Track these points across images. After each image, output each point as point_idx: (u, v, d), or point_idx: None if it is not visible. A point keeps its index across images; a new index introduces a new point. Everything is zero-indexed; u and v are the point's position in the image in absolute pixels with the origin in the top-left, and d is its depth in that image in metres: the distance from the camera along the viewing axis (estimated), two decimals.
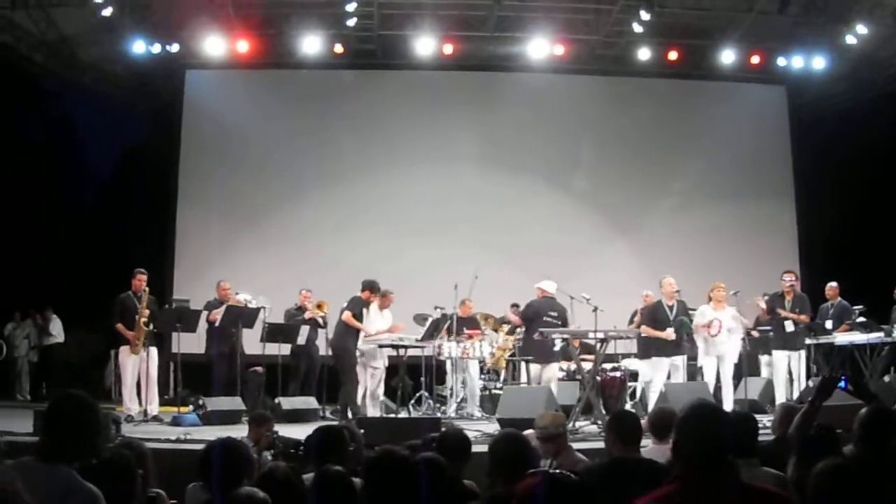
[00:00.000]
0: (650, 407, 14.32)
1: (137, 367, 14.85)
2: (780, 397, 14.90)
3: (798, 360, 15.33)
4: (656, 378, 14.83)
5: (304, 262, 20.85)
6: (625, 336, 15.10)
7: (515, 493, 4.34)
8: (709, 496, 4.03)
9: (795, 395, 14.85)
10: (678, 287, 15.25)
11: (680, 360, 14.90)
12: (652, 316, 15.11)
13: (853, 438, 5.87)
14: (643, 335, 15.16)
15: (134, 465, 5.12)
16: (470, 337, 16.53)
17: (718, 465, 4.11)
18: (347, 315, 15.25)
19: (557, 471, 5.03)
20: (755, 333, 16.79)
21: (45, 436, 4.71)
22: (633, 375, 16.38)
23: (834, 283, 17.06)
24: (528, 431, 7.33)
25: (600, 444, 7.88)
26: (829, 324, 16.63)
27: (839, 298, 16.90)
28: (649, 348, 15.31)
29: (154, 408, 14.99)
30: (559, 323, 14.95)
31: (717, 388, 14.94)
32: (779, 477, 5.67)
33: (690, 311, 15.44)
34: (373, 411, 15.18)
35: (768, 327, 16.19)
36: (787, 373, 15.31)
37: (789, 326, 15.39)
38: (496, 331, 17.91)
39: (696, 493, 4.04)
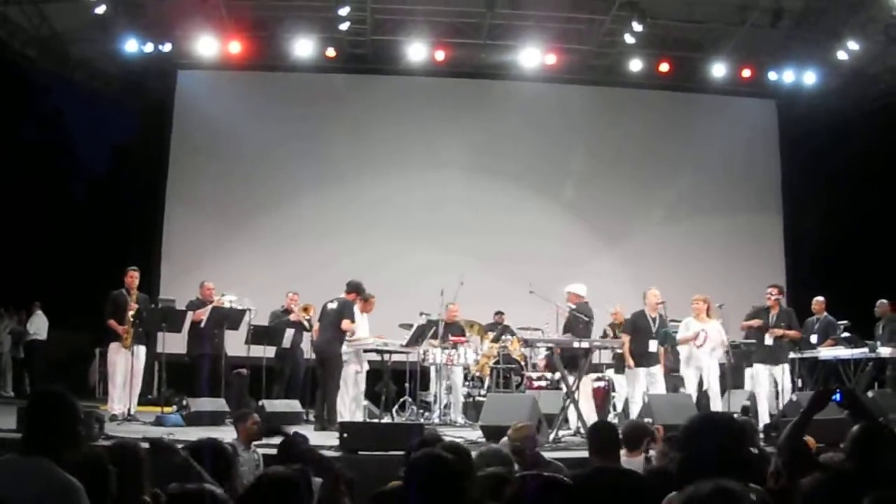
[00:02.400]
0: (632, 418, 14.32)
1: (126, 364, 14.81)
2: (763, 411, 14.90)
3: (782, 373, 15.32)
4: (635, 389, 14.81)
5: (292, 264, 20.81)
6: (609, 347, 15.09)
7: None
8: None
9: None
10: (663, 299, 15.25)
11: (657, 371, 14.88)
12: (633, 325, 15.08)
13: (845, 454, 5.88)
14: (621, 345, 15.11)
15: (107, 463, 5.12)
16: (455, 344, 16.53)
17: (732, 478, 4.13)
18: (348, 324, 15.12)
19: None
20: (742, 346, 16.79)
21: (25, 430, 4.74)
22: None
23: (820, 298, 17.10)
24: (504, 440, 7.37)
25: (583, 454, 7.92)
26: (814, 338, 16.66)
27: (825, 313, 16.95)
28: (624, 360, 15.27)
29: (133, 407, 14.94)
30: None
31: (699, 399, 14.92)
32: (759, 491, 5.68)
33: (673, 323, 15.46)
34: (357, 415, 15.14)
35: (752, 340, 16.19)
36: (772, 386, 15.29)
37: (768, 340, 15.36)
38: (481, 338, 17.89)
39: None
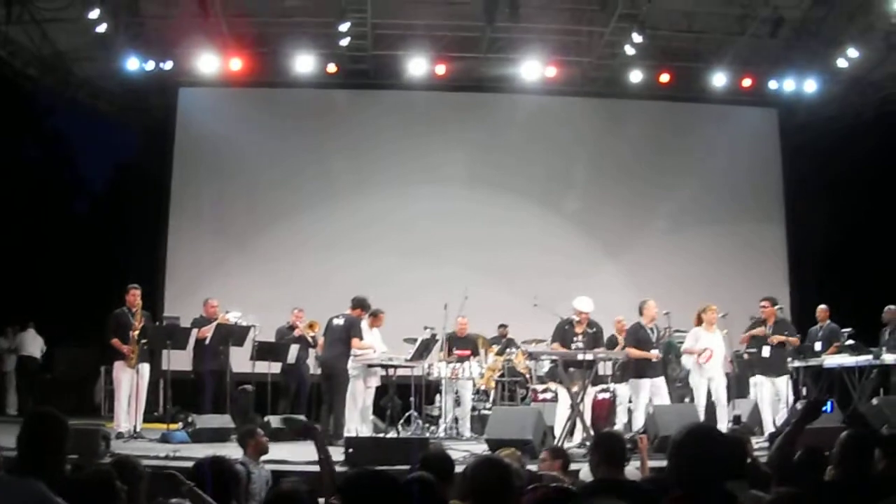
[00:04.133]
0: (635, 428, 14.32)
1: (132, 382, 14.84)
2: (767, 421, 14.92)
3: (786, 384, 15.34)
4: (639, 400, 14.80)
5: (296, 280, 20.83)
6: (613, 358, 15.08)
7: None
8: None
9: (780, 418, 14.85)
10: (665, 310, 15.25)
11: (661, 382, 14.87)
12: (635, 337, 15.08)
13: (833, 461, 5.91)
14: (629, 357, 15.10)
15: (114, 481, 5.15)
16: (460, 358, 16.55)
17: (713, 488, 4.15)
18: (357, 343, 15.13)
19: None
20: (745, 356, 16.76)
21: (19, 451, 4.77)
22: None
23: (824, 306, 17.11)
24: (506, 452, 7.36)
25: (586, 465, 7.90)
26: (818, 345, 16.68)
27: (828, 321, 16.95)
28: (628, 370, 15.26)
29: (138, 424, 14.96)
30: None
31: (707, 409, 14.93)
32: (767, 500, 5.69)
33: (677, 334, 15.46)
34: (364, 429, 15.14)
35: (754, 349, 16.16)
36: (774, 395, 15.30)
37: (765, 352, 15.39)
38: (486, 351, 17.89)
39: None
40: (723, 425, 14.37)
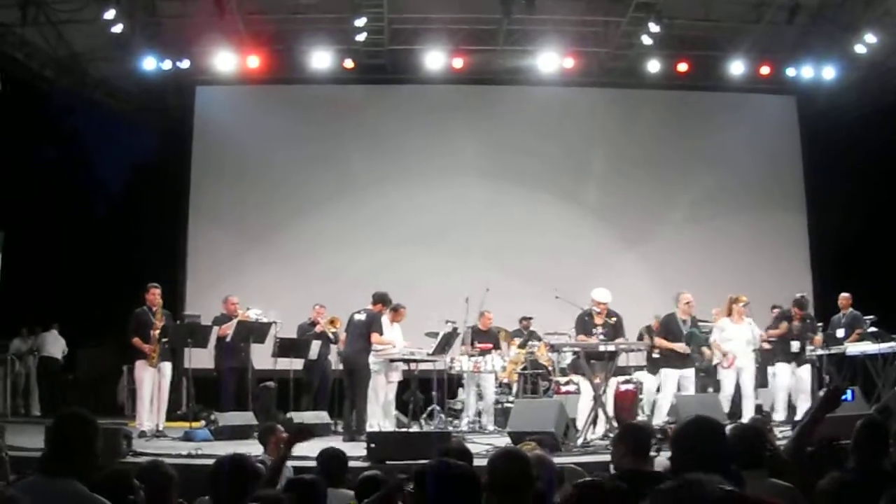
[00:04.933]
0: (659, 419, 14.30)
1: (153, 381, 14.87)
2: (781, 408, 14.93)
3: (808, 372, 15.34)
4: (665, 390, 14.77)
5: (316, 276, 20.84)
6: (635, 349, 15.05)
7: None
8: None
9: (803, 406, 14.80)
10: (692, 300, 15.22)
11: (690, 373, 14.83)
12: (666, 328, 15.05)
13: (849, 450, 5.86)
14: (657, 347, 15.10)
15: (132, 480, 5.14)
16: (482, 351, 16.53)
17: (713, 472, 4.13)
18: (378, 338, 15.13)
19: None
20: (766, 345, 16.70)
21: (50, 451, 4.76)
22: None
23: (846, 294, 17.03)
24: (527, 446, 7.33)
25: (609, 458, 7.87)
26: (840, 332, 16.61)
27: (851, 308, 16.87)
28: (658, 362, 15.25)
29: (161, 423, 14.99)
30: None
31: (737, 399, 14.93)
32: (787, 488, 5.64)
33: (701, 323, 15.43)
34: (386, 424, 15.12)
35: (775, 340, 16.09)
36: (794, 384, 15.27)
37: (794, 346, 15.39)
38: (508, 344, 17.87)
39: None
40: (748, 416, 14.33)
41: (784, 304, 16.45)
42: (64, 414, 4.89)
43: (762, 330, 15.86)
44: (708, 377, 15.99)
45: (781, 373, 15.31)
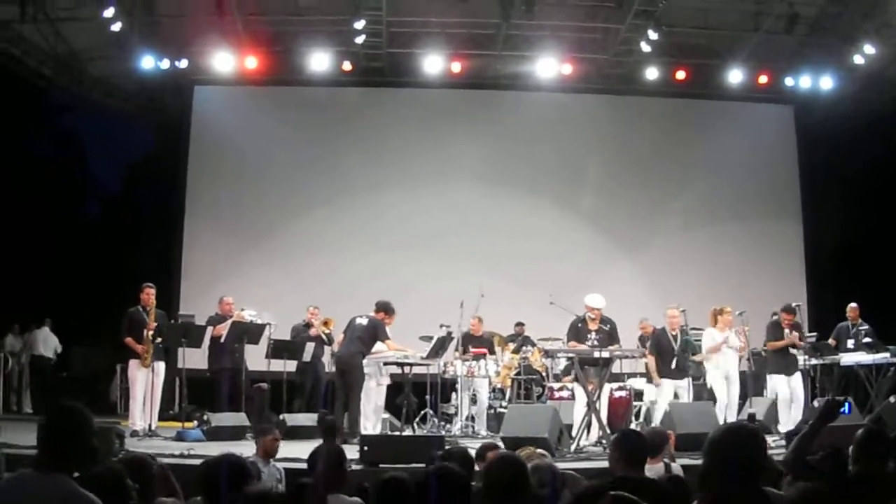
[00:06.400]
0: (651, 424, 14.31)
1: (147, 381, 14.84)
2: (784, 420, 14.90)
3: (800, 381, 15.33)
4: (661, 399, 14.78)
5: (311, 277, 20.85)
6: (630, 355, 15.05)
7: None
8: None
9: (798, 416, 14.80)
10: (683, 307, 15.20)
11: (685, 383, 14.84)
12: (658, 345, 15.07)
13: (850, 459, 5.87)
14: (642, 355, 15.16)
15: (125, 479, 5.13)
16: (476, 356, 16.52)
17: (751, 488, 4.14)
18: (392, 344, 15.16)
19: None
20: (763, 353, 16.69)
21: (43, 447, 4.73)
22: (639, 395, 16.29)
23: (854, 304, 16.94)
24: (525, 451, 7.32)
25: (603, 464, 7.86)
26: (850, 343, 16.56)
27: (860, 320, 16.81)
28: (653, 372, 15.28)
29: (154, 422, 14.96)
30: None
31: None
32: (778, 496, 5.64)
33: (694, 331, 15.43)
34: (377, 428, 15.11)
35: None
36: (789, 394, 15.27)
37: (800, 358, 15.42)
38: (502, 349, 17.86)
39: None
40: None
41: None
42: (58, 407, 4.86)
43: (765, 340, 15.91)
44: (700, 385, 15.98)
45: (780, 386, 15.28)
